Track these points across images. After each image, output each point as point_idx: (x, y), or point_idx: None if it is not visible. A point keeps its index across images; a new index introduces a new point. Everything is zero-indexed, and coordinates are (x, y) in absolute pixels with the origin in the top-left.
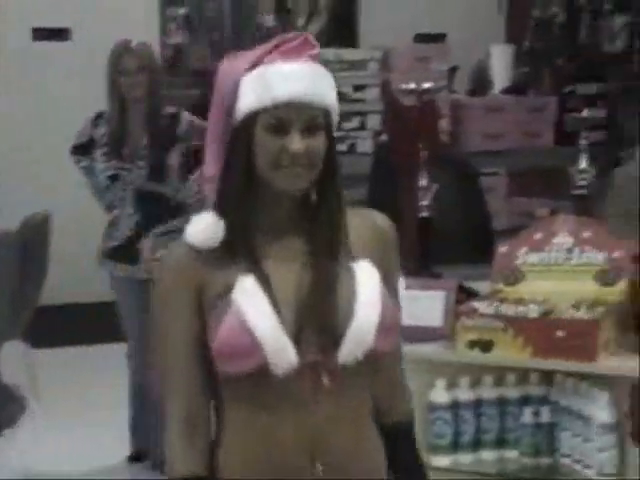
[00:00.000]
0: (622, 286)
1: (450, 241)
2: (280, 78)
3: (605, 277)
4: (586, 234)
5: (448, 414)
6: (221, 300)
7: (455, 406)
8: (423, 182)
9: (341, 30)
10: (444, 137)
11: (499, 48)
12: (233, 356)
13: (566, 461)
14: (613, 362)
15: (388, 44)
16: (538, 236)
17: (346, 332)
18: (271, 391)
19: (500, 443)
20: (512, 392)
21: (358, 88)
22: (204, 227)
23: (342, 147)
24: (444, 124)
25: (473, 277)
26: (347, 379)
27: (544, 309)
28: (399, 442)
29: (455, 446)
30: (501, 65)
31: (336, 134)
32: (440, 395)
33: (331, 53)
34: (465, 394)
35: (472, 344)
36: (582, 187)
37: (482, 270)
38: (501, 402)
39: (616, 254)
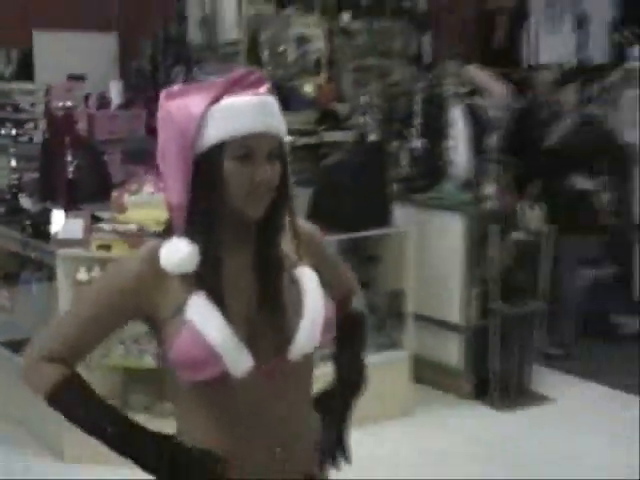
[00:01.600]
0: None
1: None
2: (249, 110)
3: None
4: (162, 184)
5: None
6: (173, 319)
7: (91, 281)
8: (68, 158)
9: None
10: (83, 132)
11: (114, 83)
12: (193, 367)
13: None
14: None
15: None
16: (134, 186)
17: (295, 334)
18: (230, 392)
19: None
20: None
21: (32, 104)
22: (180, 254)
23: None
24: (81, 125)
25: (100, 209)
26: (297, 372)
27: (138, 226)
28: (349, 333)
29: None
30: (115, 92)
31: None
32: (82, 275)
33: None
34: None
35: (99, 247)
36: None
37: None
38: None
39: None
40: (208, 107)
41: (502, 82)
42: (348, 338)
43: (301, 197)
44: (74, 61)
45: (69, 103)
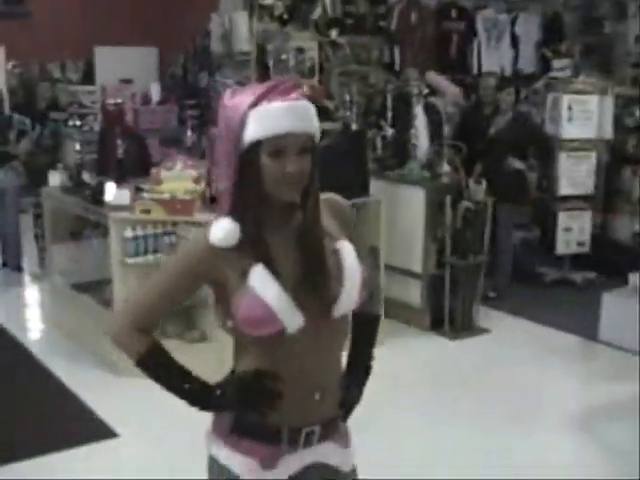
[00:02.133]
0: (203, 186)
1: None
2: (280, 114)
3: (197, 180)
4: (189, 162)
5: (133, 242)
6: (238, 284)
7: (136, 238)
8: (118, 143)
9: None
10: (130, 123)
11: (154, 85)
12: (255, 326)
13: None
14: (200, 217)
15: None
16: (168, 164)
17: (338, 297)
18: (282, 346)
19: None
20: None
21: (93, 102)
22: (224, 230)
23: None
24: (128, 117)
25: (142, 182)
26: (336, 329)
27: (171, 195)
28: (366, 330)
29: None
30: (155, 92)
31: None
32: (128, 233)
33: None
34: (142, 232)
35: (141, 211)
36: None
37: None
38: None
39: (203, 170)
40: (249, 109)
41: (455, 85)
42: (363, 337)
43: None
44: (124, 69)
45: (119, 100)
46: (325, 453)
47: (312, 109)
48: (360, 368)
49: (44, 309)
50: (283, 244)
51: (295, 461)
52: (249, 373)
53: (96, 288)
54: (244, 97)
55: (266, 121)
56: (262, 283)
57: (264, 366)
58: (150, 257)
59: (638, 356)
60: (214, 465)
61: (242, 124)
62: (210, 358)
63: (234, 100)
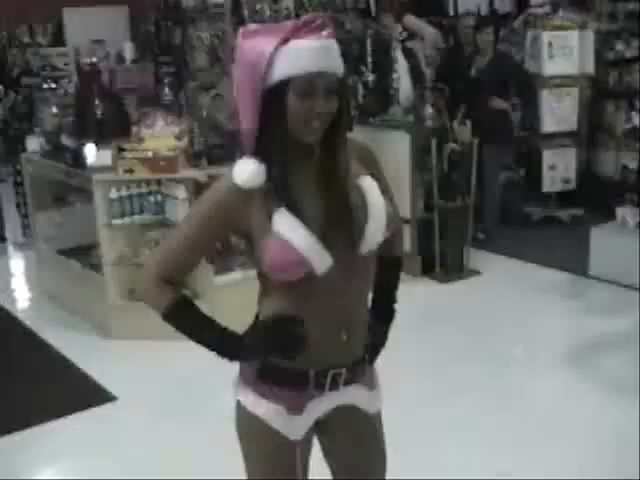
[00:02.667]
0: (186, 141)
1: None
2: (312, 52)
3: (179, 137)
4: (169, 119)
5: (118, 203)
6: (263, 229)
7: (121, 198)
8: (96, 103)
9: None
10: (105, 83)
11: (128, 44)
12: (284, 270)
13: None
14: (185, 173)
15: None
16: (149, 122)
17: (364, 234)
18: (310, 287)
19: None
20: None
21: (66, 64)
22: (248, 171)
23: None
24: (104, 78)
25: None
26: (363, 267)
27: (153, 153)
28: (389, 271)
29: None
30: (128, 51)
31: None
32: (113, 194)
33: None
34: (127, 192)
35: (125, 171)
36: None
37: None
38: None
39: (184, 126)
40: (278, 47)
41: (433, 27)
42: (387, 280)
43: None
44: (95, 29)
45: (94, 59)
46: (352, 395)
47: (337, 48)
48: (385, 311)
49: (31, 277)
50: (306, 185)
51: (322, 404)
52: (276, 319)
53: (83, 253)
54: (269, 34)
55: (297, 59)
56: (287, 226)
57: (291, 309)
58: (136, 217)
59: (638, 290)
60: (241, 412)
61: (269, 62)
62: None
63: (256, 39)
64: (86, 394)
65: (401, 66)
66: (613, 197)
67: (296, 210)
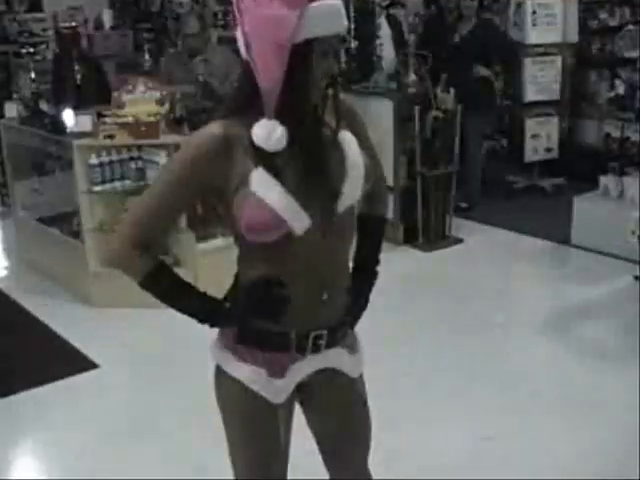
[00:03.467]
0: (168, 106)
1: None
2: (337, 12)
3: (160, 102)
4: (150, 84)
5: (99, 169)
6: (240, 187)
7: (101, 164)
8: (75, 68)
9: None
10: (85, 49)
11: (106, 10)
12: (261, 231)
13: None
14: (165, 139)
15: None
16: (129, 87)
17: (341, 189)
18: (289, 248)
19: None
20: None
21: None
22: (275, 134)
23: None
24: (82, 44)
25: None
26: (342, 225)
27: (134, 118)
28: (371, 232)
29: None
30: (107, 18)
31: None
32: (93, 160)
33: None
34: (107, 158)
35: (105, 137)
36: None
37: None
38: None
39: (165, 92)
40: (307, 5)
41: None
42: (368, 240)
43: None
44: None
45: (74, 23)
46: (334, 359)
47: None
48: (366, 272)
49: (10, 246)
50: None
51: (303, 367)
52: (258, 282)
53: (63, 220)
54: None
55: (326, 18)
56: (264, 187)
57: (271, 270)
58: (117, 184)
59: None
60: (220, 376)
61: (299, 20)
62: None
63: None
64: (68, 362)
65: (384, 33)
66: (596, 166)
67: (274, 169)
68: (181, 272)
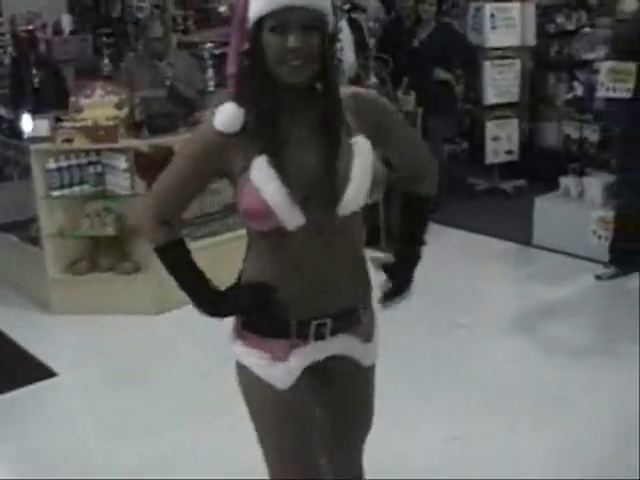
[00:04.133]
0: (127, 110)
1: None
2: None
3: (119, 106)
4: (109, 88)
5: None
6: (241, 176)
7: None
8: (33, 72)
9: None
10: (43, 54)
11: (65, 16)
12: (254, 219)
13: None
14: (125, 143)
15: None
16: (87, 92)
17: (343, 195)
18: (286, 242)
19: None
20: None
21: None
22: (226, 114)
23: None
24: (41, 49)
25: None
26: (344, 226)
27: (93, 122)
28: (415, 211)
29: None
30: (66, 23)
31: None
32: (51, 165)
33: None
34: (66, 163)
35: (63, 141)
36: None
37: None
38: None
39: (124, 96)
40: None
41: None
42: (410, 219)
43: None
44: (31, 2)
45: (31, 27)
46: (343, 346)
47: None
48: (407, 254)
49: None
50: (298, 135)
51: (308, 353)
52: (251, 286)
53: (20, 227)
54: None
55: None
56: (262, 177)
57: (271, 263)
58: (76, 189)
59: None
60: (237, 365)
61: (247, 2)
62: (144, 289)
63: None
64: (25, 370)
65: (345, 36)
66: (556, 168)
67: (277, 161)
68: (141, 278)
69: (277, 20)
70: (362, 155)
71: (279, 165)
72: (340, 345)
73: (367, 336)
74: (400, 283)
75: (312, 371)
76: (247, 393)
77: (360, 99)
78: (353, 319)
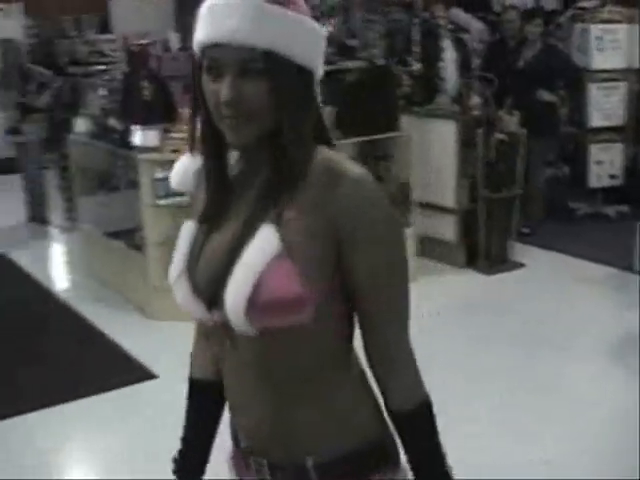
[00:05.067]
0: None
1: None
2: (211, 13)
3: None
4: None
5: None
6: None
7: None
8: (144, 85)
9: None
10: (154, 65)
11: (173, 34)
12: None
13: None
14: None
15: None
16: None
17: (221, 301)
18: (221, 342)
19: None
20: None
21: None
22: (175, 169)
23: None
24: (153, 63)
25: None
26: (264, 348)
27: None
28: (403, 432)
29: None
30: (174, 40)
31: None
32: (159, 174)
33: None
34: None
35: (171, 151)
36: None
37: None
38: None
39: None
40: (202, 6)
41: (478, 22)
42: (406, 440)
43: (326, 113)
44: (141, 21)
45: (144, 41)
46: None
47: (274, 13)
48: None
49: (74, 259)
50: (245, 200)
51: None
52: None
53: (126, 235)
54: None
55: (204, 20)
56: (179, 244)
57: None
58: (182, 198)
59: None
60: None
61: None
62: None
63: None
64: (128, 372)
65: (448, 56)
66: None
67: (200, 226)
68: None
69: (211, 60)
70: (255, 252)
71: (202, 232)
72: None
73: None
74: None
75: None
76: None
77: (341, 186)
78: (299, 475)
